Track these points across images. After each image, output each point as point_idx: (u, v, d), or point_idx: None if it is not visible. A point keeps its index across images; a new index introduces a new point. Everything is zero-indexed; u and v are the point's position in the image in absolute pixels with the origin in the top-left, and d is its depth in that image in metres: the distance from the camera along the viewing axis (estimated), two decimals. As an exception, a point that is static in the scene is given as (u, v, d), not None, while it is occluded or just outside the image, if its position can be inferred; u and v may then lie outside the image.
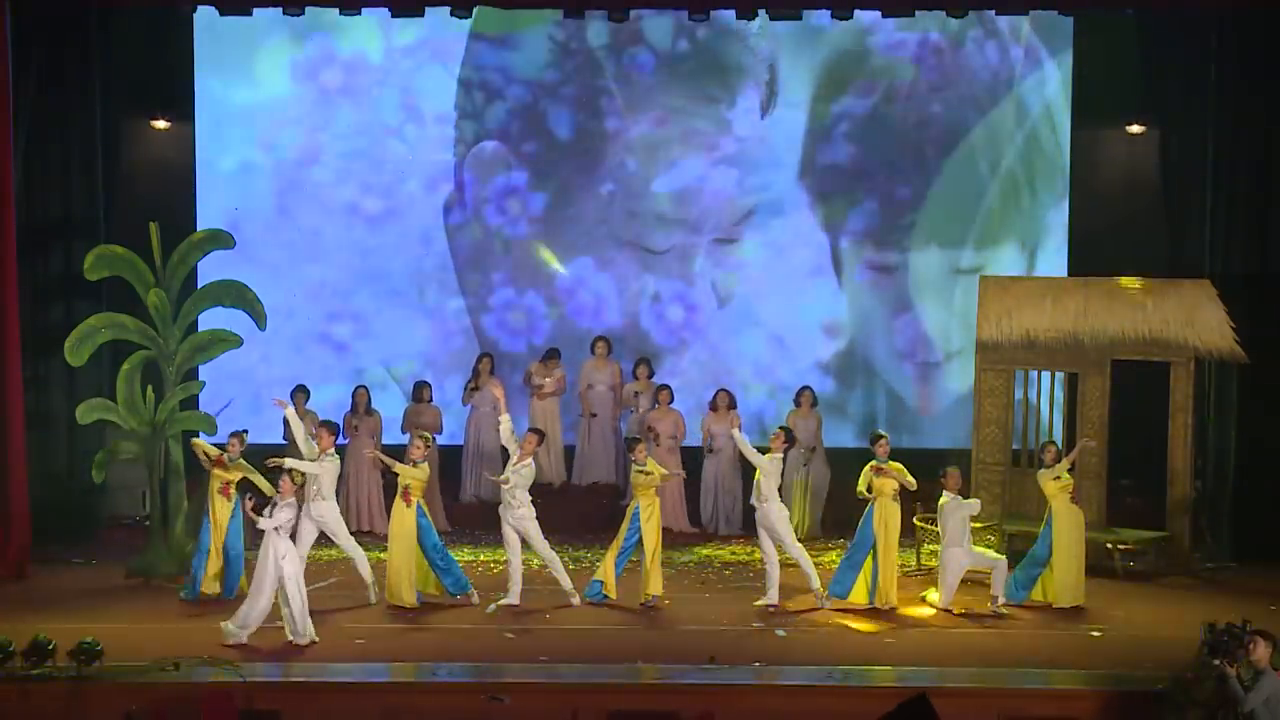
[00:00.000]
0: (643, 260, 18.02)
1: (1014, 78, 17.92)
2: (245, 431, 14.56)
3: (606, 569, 14.27)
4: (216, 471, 14.25)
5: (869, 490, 14.16)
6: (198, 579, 14.19)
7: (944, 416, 18.07)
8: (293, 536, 13.08)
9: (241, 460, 14.26)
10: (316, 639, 12.84)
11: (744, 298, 18.02)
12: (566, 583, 14.25)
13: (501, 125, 18.01)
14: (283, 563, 12.76)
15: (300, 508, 13.46)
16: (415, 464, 14.07)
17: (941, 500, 14.13)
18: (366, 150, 18.07)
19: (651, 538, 14.14)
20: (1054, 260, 17.96)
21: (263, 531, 12.84)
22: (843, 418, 17.85)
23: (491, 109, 18.02)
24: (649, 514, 14.19)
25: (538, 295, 18.07)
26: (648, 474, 14.21)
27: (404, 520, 13.99)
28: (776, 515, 14.21)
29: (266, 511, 12.94)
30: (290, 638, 12.83)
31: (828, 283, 17.94)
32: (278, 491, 13.09)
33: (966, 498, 14.36)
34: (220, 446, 14.40)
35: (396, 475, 14.10)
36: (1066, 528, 14.32)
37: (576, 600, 14.19)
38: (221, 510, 14.18)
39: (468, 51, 17.94)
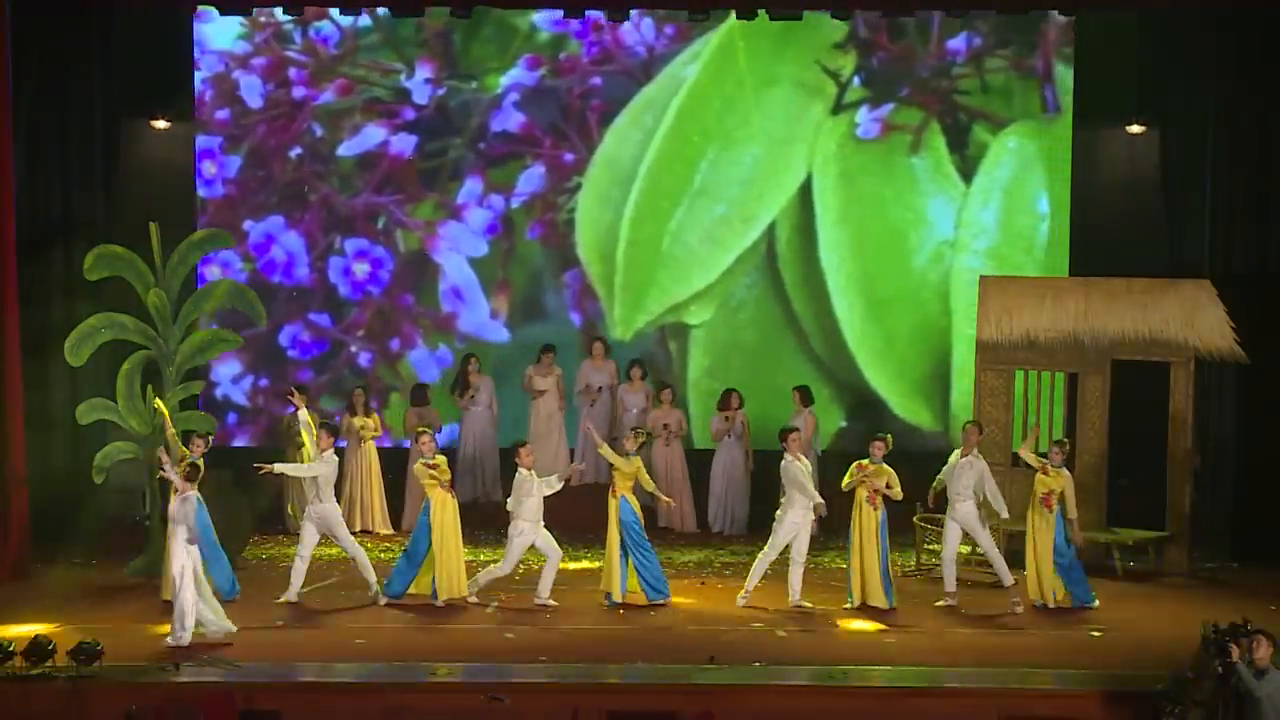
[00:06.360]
0: (330, 219, 18.77)
1: (668, 53, 18.65)
2: (209, 435, 14.54)
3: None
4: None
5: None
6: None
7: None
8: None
9: (200, 461, 14.22)
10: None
11: (424, 254, 18.82)
12: (545, 590, 14.28)
13: (196, 94, 18.53)
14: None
15: (196, 501, 13.22)
16: (432, 458, 14.26)
17: (952, 458, 14.17)
18: None
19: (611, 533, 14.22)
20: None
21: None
22: (514, 370, 18.31)
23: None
24: (614, 509, 14.26)
25: (232, 252, 18.52)
26: (628, 466, 14.29)
27: (448, 511, 14.10)
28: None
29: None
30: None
31: (501, 241, 18.83)
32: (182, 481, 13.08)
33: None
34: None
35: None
36: (1034, 533, 14.34)
37: (554, 604, 14.18)
38: None
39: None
